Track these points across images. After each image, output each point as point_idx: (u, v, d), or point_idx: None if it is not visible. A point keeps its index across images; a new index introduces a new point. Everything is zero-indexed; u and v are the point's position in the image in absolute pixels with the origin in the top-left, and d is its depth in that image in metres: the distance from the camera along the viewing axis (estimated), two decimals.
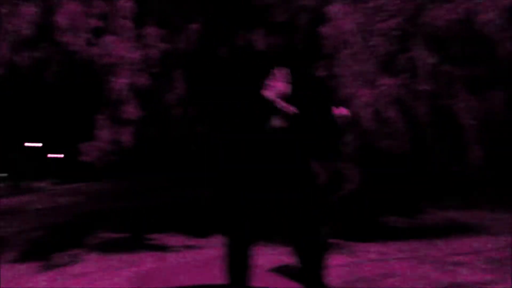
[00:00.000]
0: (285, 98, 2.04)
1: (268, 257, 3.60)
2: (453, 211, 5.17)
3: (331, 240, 4.07)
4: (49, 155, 21.23)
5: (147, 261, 3.85)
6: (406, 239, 4.18)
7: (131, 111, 3.80)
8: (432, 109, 3.83)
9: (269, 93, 2.02)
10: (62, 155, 20.88)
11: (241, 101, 2.02)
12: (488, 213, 5.04)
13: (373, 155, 4.00)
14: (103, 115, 3.96)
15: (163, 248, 4.41)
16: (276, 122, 2.01)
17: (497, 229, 4.37)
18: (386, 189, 4.49)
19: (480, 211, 5.11)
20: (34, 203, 8.95)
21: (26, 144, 20.19)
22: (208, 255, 3.86)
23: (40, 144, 20.37)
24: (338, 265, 3.35)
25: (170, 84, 3.91)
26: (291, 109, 2.03)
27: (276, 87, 2.04)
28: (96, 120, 3.98)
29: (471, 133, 3.77)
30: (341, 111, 2.15)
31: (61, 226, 5.91)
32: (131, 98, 3.80)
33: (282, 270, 3.05)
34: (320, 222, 2.09)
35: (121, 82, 3.74)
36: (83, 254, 4.19)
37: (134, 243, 4.70)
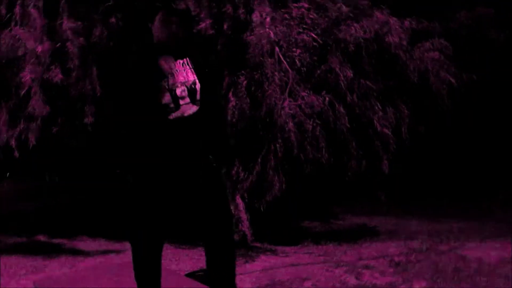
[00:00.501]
0: (193, 88, 1.96)
1: (190, 261, 3.56)
2: (364, 216, 5.49)
3: (254, 243, 4.13)
4: None
5: (55, 267, 3.65)
6: (322, 243, 4.36)
7: (37, 107, 3.53)
8: (349, 120, 4.04)
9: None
10: None
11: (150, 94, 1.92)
12: (395, 219, 5.41)
13: (295, 164, 4.13)
14: (3, 110, 3.64)
15: (76, 252, 4.19)
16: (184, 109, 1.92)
17: (403, 234, 4.70)
18: (304, 195, 4.64)
19: (389, 217, 5.46)
20: None
21: None
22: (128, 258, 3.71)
23: None
24: (255, 269, 3.39)
25: (85, 79, 3.70)
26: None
27: (182, 75, 1.94)
28: None
29: (382, 142, 4.04)
30: None
31: None
32: (38, 93, 3.53)
33: (198, 275, 3.01)
34: (230, 224, 2.08)
35: (26, 76, 3.47)
36: None
37: (41, 248, 4.39)
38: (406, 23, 4.08)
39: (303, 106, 3.89)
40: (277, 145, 3.93)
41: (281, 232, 4.61)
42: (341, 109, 3.95)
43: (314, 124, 3.88)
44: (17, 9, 3.62)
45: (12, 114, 3.68)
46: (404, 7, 4.27)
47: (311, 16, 4.00)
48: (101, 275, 3.19)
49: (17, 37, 3.62)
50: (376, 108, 4.03)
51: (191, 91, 1.93)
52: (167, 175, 1.88)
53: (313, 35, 4.00)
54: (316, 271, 3.40)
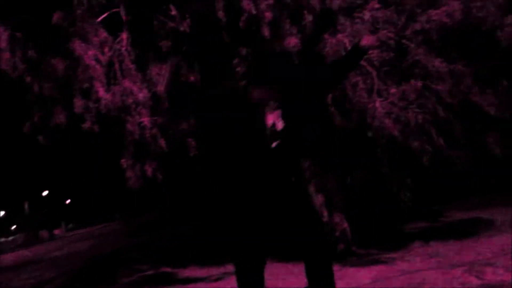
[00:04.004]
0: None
1: (295, 278, 3.59)
2: (475, 211, 5.02)
3: (358, 250, 4.07)
4: None
5: None
6: (431, 244, 4.11)
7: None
8: (450, 107, 3.84)
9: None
10: None
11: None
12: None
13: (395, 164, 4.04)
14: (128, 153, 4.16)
15: (188, 281, 4.49)
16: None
17: None
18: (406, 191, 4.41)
19: (506, 207, 4.92)
20: None
21: None
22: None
23: None
24: (365, 281, 3.33)
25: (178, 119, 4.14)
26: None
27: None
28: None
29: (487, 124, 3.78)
30: None
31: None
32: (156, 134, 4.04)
33: None
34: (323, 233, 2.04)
35: (145, 120, 4.00)
36: None
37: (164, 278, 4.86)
38: None
39: (395, 101, 3.81)
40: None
41: (385, 236, 4.45)
42: (437, 98, 3.81)
43: (412, 116, 3.78)
44: (116, 65, 4.07)
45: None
46: None
47: (380, 14, 3.90)
48: None
49: (128, 88, 4.05)
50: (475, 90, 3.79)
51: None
52: (262, 195, 1.96)
53: (387, 34, 3.89)
54: (431, 275, 3.16)
